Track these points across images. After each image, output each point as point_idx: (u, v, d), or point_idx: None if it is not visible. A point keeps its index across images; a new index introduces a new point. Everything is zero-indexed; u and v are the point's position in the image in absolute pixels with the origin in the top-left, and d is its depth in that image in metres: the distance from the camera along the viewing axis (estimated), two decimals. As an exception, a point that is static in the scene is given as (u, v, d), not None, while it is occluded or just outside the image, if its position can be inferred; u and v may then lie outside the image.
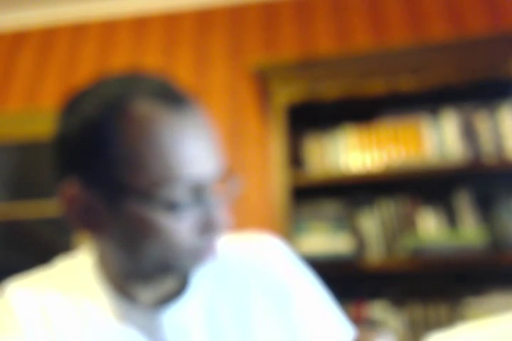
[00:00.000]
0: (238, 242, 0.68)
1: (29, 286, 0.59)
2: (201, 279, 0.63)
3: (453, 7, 2.03)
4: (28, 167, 2.22)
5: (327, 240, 1.65)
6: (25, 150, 2.22)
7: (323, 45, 2.05)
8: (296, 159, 1.79)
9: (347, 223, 1.68)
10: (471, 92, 1.72)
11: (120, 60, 2.21)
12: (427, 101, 1.76)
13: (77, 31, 2.32)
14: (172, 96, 0.52)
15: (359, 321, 1.62)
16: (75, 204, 0.53)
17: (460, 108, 1.74)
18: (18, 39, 2.37)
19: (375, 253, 1.66)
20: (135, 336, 0.58)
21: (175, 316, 0.59)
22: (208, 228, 0.53)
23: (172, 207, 0.50)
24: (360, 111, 1.80)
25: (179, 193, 0.51)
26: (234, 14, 2.20)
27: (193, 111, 0.53)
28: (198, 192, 0.52)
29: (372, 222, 1.70)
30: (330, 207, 1.71)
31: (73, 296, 0.59)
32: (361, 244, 1.67)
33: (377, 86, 1.70)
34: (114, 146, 0.50)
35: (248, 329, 0.61)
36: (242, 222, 1.69)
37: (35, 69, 2.27)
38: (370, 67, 1.73)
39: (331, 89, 1.72)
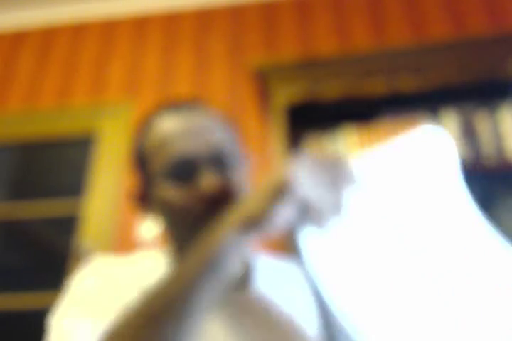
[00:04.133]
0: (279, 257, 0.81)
1: (108, 259, 0.73)
2: (260, 276, 0.72)
3: (453, 7, 2.03)
4: (28, 167, 2.22)
5: (327, 240, 1.65)
6: (25, 150, 2.22)
7: (323, 45, 2.05)
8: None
9: (347, 223, 1.68)
10: (471, 92, 1.72)
11: (120, 60, 2.21)
12: (427, 101, 1.76)
13: (77, 31, 2.32)
14: (174, 106, 0.72)
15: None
16: (138, 192, 0.73)
17: (460, 108, 1.73)
18: (18, 39, 2.37)
19: (375, 254, 1.65)
20: None
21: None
22: (200, 193, 0.64)
23: (167, 178, 0.65)
24: (360, 111, 1.80)
25: (170, 166, 0.65)
26: (234, 14, 2.20)
27: (190, 111, 0.71)
28: (188, 166, 0.65)
29: (372, 222, 1.70)
30: (330, 207, 1.71)
31: (140, 266, 0.71)
32: (361, 244, 1.67)
33: (377, 86, 1.70)
34: (144, 154, 0.71)
35: None
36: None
37: (35, 69, 2.27)
38: (370, 67, 1.73)
39: (331, 89, 1.72)
